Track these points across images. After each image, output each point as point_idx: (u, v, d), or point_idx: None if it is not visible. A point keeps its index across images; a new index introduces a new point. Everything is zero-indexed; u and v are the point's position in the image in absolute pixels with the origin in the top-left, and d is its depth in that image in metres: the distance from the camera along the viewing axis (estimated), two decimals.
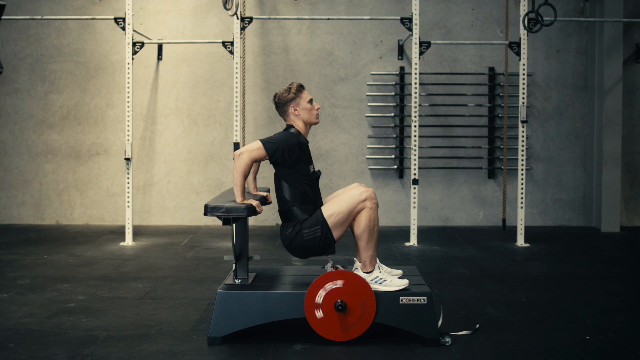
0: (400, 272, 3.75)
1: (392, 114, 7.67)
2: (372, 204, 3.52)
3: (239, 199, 3.49)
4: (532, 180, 7.75)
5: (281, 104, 3.69)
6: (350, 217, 3.52)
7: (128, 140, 6.46)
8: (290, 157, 3.54)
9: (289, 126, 3.70)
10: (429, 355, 3.37)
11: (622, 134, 7.59)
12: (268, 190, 4.04)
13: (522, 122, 6.55)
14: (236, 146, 6.41)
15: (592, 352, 3.47)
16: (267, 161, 3.61)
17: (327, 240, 3.53)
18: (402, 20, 6.51)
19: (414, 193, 6.53)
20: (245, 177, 3.51)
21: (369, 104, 7.69)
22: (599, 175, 7.55)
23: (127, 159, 6.46)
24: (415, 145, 6.53)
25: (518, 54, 6.53)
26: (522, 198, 6.56)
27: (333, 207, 3.52)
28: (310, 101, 3.70)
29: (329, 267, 3.62)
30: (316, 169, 3.71)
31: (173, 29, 7.69)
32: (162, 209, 7.75)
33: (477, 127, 7.72)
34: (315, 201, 3.64)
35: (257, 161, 3.57)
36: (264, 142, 3.52)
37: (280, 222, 7.63)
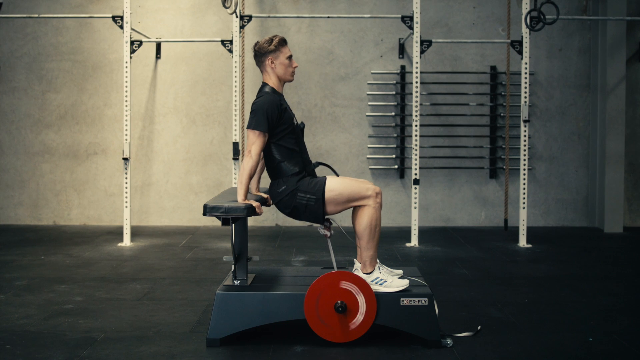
0: (400, 272, 3.75)
1: (393, 114, 7.67)
2: (375, 203, 3.52)
3: (240, 198, 3.49)
4: (534, 180, 7.75)
5: (260, 54, 3.68)
6: (348, 204, 3.53)
7: (126, 139, 6.45)
8: (275, 118, 3.54)
9: (264, 84, 3.69)
10: (430, 357, 3.37)
11: (625, 134, 7.59)
12: (267, 191, 4.03)
13: (524, 121, 6.55)
14: (235, 146, 6.42)
15: (595, 354, 3.47)
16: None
17: (317, 212, 3.53)
18: (403, 18, 6.51)
19: (415, 193, 6.53)
20: (251, 177, 3.52)
21: (370, 103, 7.69)
22: (601, 175, 7.55)
23: (125, 159, 6.46)
24: (416, 145, 6.53)
25: (520, 52, 6.53)
26: (524, 198, 6.56)
27: (337, 185, 3.53)
28: (290, 57, 3.70)
29: (321, 230, 3.64)
30: (299, 122, 3.72)
31: (171, 28, 7.69)
32: (161, 209, 7.75)
33: (478, 126, 7.72)
34: (302, 154, 3.65)
35: (265, 148, 3.56)
36: (254, 126, 3.50)
37: (279, 223, 7.67)
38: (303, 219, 3.61)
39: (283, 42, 3.69)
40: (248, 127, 3.52)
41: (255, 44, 3.71)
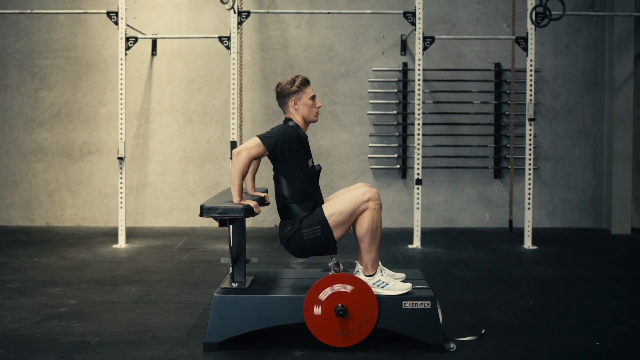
0: (403, 275, 3.75)
1: (395, 112, 7.67)
2: (376, 204, 3.52)
3: (235, 199, 3.50)
4: (539, 180, 7.75)
5: (282, 95, 3.70)
6: (352, 218, 3.52)
7: (121, 138, 6.46)
8: (289, 150, 3.54)
9: (287, 119, 3.70)
10: None
11: (633, 133, 7.59)
12: (266, 191, 4.04)
13: (530, 120, 6.56)
14: (233, 145, 6.42)
15: (602, 358, 3.47)
16: (265, 159, 3.61)
17: (327, 240, 3.53)
18: (405, 14, 6.51)
19: (418, 193, 6.53)
20: (243, 176, 3.51)
21: (371, 101, 7.69)
22: (609, 175, 7.55)
23: (120, 158, 6.46)
24: (418, 144, 6.53)
25: (525, 49, 6.53)
26: (529, 199, 6.56)
27: (335, 206, 3.53)
28: (313, 98, 3.70)
29: (332, 266, 3.62)
30: (315, 164, 3.71)
31: (168, 24, 7.69)
32: (156, 210, 7.75)
33: (482, 125, 7.72)
34: (314, 197, 3.64)
35: (256, 158, 3.58)
36: (262, 137, 3.53)
37: (278, 224, 7.66)
38: (317, 254, 3.59)
39: (306, 83, 3.70)
40: (257, 135, 3.54)
41: (278, 85, 3.72)
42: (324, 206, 3.57)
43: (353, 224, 3.55)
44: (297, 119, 3.69)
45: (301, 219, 3.55)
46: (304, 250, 3.59)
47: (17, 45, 7.67)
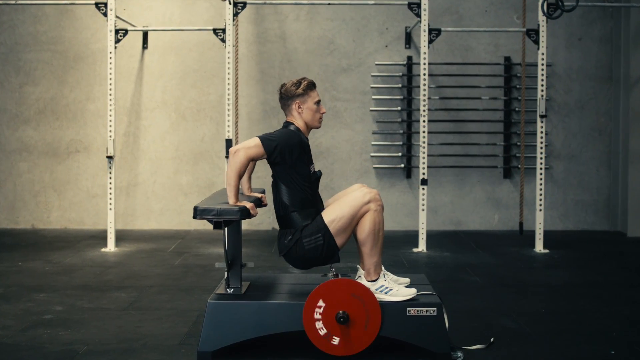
0: (407, 280, 3.75)
1: (399, 108, 7.68)
2: (377, 206, 3.52)
3: (231, 200, 3.50)
4: (551, 180, 7.76)
5: (286, 97, 3.70)
6: (354, 222, 3.52)
7: (110, 136, 6.46)
8: (290, 156, 3.54)
9: (288, 123, 3.70)
10: None
11: None
12: (263, 192, 4.04)
13: (541, 116, 6.56)
14: (228, 143, 6.42)
15: None
16: (263, 160, 3.61)
17: (330, 248, 3.53)
18: (409, 5, 6.51)
19: (423, 194, 6.54)
20: (240, 177, 3.51)
21: (374, 97, 7.69)
22: (624, 174, 7.55)
23: (109, 157, 6.47)
24: (424, 142, 6.54)
25: (536, 42, 6.54)
26: (540, 200, 6.57)
27: (335, 212, 3.53)
28: (318, 102, 3.71)
29: (331, 277, 3.62)
30: (316, 169, 3.72)
31: (159, 15, 7.70)
32: (148, 212, 7.75)
33: (491, 122, 7.73)
34: (315, 204, 3.64)
35: (254, 160, 3.58)
36: (262, 139, 3.53)
37: (276, 227, 7.66)
38: (319, 263, 3.60)
39: (312, 86, 3.70)
40: (258, 136, 3.54)
41: (282, 86, 3.72)
42: (323, 213, 3.56)
43: (354, 228, 3.55)
44: (299, 123, 3.69)
45: (302, 228, 3.55)
46: (305, 261, 3.59)
47: (1, 38, 7.67)
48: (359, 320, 3.44)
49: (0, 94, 7.69)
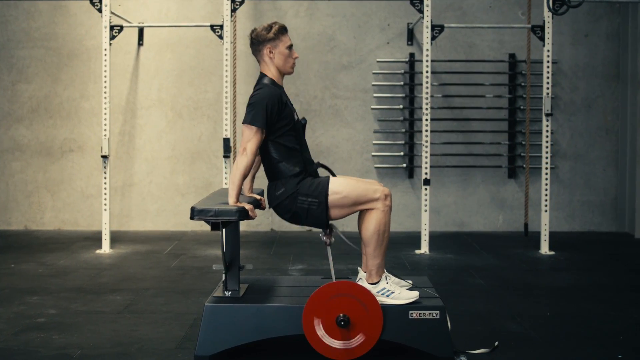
0: (410, 283, 3.75)
1: (401, 106, 7.68)
2: (385, 206, 3.52)
3: (232, 200, 3.49)
4: (557, 180, 7.76)
5: (257, 42, 3.69)
6: (354, 208, 3.53)
7: (105, 135, 6.46)
8: (278, 114, 3.54)
9: (262, 76, 3.69)
10: None
11: None
12: (261, 192, 4.04)
13: (547, 115, 6.56)
14: (226, 142, 6.42)
15: None
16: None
17: (320, 217, 3.54)
18: (412, 0, 6.51)
19: (426, 195, 6.54)
20: (245, 177, 3.52)
21: (375, 94, 7.69)
22: (632, 174, 7.55)
23: (104, 157, 6.47)
24: (426, 142, 6.54)
25: (542, 39, 6.54)
26: (546, 200, 6.57)
27: (342, 186, 3.53)
28: (290, 47, 3.70)
29: (323, 238, 3.65)
30: (300, 117, 3.72)
31: (155, 11, 7.69)
32: (143, 213, 7.75)
33: (496, 120, 7.72)
34: (303, 153, 3.65)
35: (260, 146, 3.56)
36: (252, 122, 3.49)
37: (275, 227, 7.67)
38: (304, 224, 3.63)
39: (283, 30, 3.69)
40: (244, 122, 3.52)
41: (252, 31, 3.72)
42: (332, 179, 3.56)
43: (358, 224, 3.55)
44: (272, 70, 3.68)
45: (299, 180, 3.55)
46: (293, 215, 3.60)
47: None
48: (360, 324, 3.44)
49: None
